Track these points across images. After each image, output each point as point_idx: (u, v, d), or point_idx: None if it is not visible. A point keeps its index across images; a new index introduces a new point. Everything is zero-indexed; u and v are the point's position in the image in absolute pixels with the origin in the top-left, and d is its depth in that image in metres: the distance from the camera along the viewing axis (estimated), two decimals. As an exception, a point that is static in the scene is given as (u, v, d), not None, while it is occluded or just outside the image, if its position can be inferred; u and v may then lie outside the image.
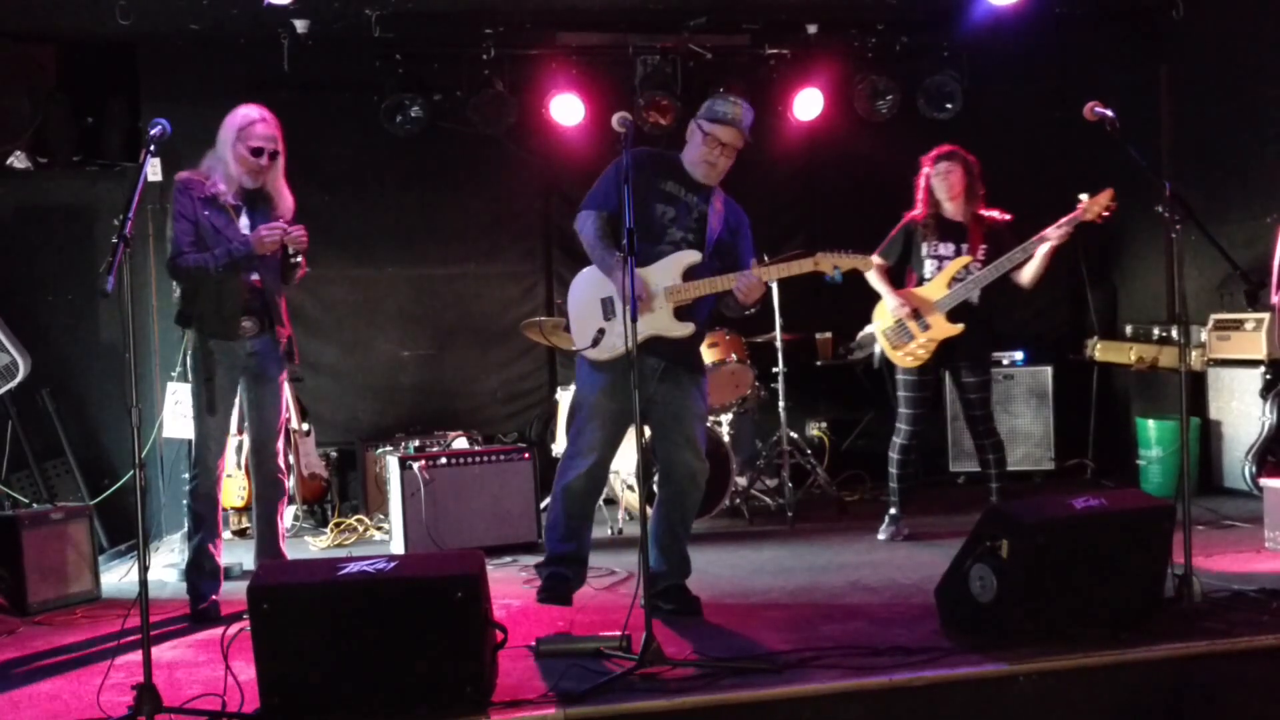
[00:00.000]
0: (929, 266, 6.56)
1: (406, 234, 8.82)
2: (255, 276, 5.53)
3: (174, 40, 7.93)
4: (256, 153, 5.45)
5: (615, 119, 4.83)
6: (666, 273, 4.99)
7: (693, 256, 5.03)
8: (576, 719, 3.87)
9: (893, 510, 6.81)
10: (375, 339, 8.85)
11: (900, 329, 6.55)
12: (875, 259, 5.16)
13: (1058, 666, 4.17)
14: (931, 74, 8.81)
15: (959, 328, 6.43)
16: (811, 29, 8.58)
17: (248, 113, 5.49)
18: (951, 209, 6.57)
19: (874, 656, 4.33)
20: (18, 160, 7.56)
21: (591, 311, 5.11)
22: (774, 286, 7.54)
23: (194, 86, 7.74)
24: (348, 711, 3.88)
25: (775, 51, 8.76)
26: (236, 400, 5.70)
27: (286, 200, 5.65)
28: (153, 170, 5.47)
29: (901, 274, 6.68)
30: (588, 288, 5.16)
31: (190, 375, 5.59)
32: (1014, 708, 4.13)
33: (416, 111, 8.35)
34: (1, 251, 7.34)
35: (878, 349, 6.78)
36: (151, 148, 4.52)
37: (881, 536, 6.77)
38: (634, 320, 4.41)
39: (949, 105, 8.81)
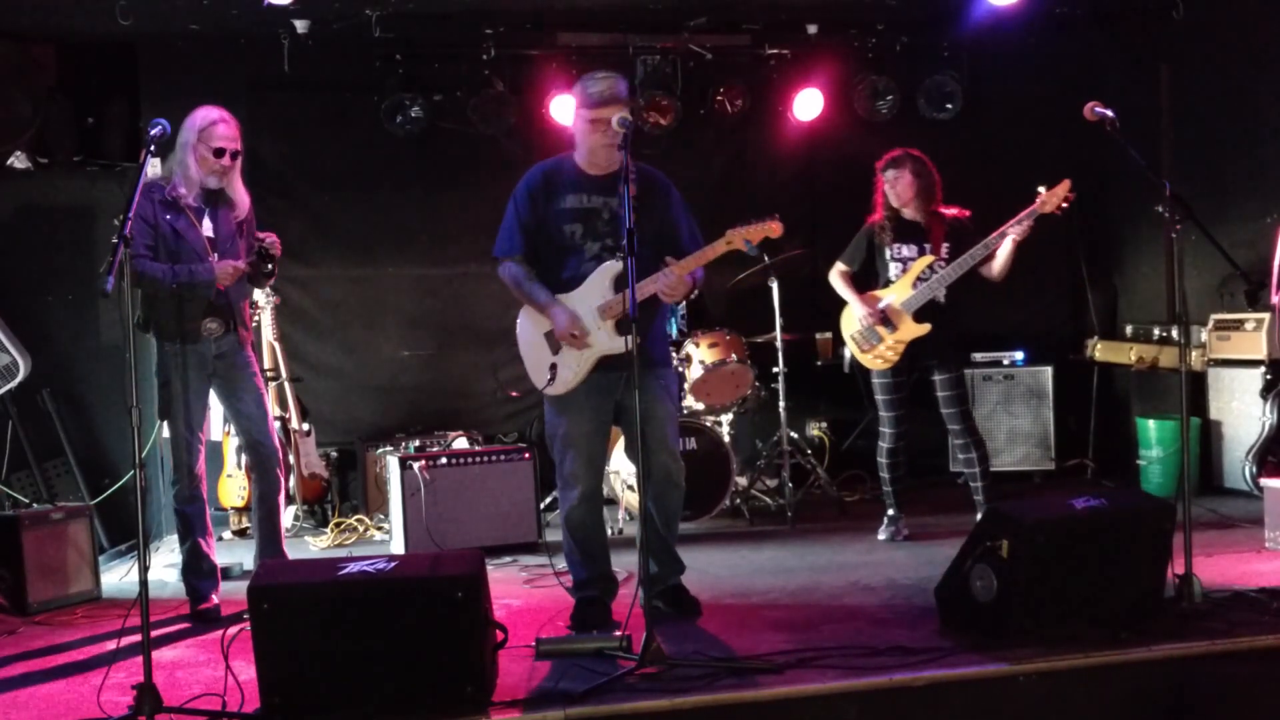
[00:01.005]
0: (893, 269, 6.59)
1: (407, 234, 8.81)
2: None
3: (174, 40, 7.92)
4: (218, 153, 5.44)
5: (615, 119, 4.81)
6: (593, 292, 4.93)
7: (615, 267, 4.93)
8: (577, 719, 3.86)
9: (890, 511, 6.81)
10: (375, 339, 8.84)
11: (868, 332, 6.57)
12: (776, 224, 4.95)
13: (1058, 666, 4.17)
14: (932, 74, 8.81)
15: (926, 328, 6.45)
16: (812, 29, 8.57)
17: (208, 114, 5.47)
18: (909, 211, 6.59)
19: (874, 656, 4.33)
20: (18, 160, 7.55)
21: (539, 350, 5.09)
22: (774, 287, 7.54)
23: (194, 86, 7.71)
24: (348, 711, 3.88)
25: (775, 52, 8.76)
26: (209, 403, 5.69)
27: (244, 201, 5.64)
28: (153, 170, 5.47)
29: (867, 278, 6.70)
30: (530, 328, 5.14)
31: (156, 374, 5.59)
32: (1014, 708, 4.14)
33: (417, 112, 8.35)
34: (2, 252, 7.33)
35: (847, 353, 6.80)
36: (152, 148, 4.54)
37: (881, 537, 6.77)
38: (634, 316, 4.38)
39: (949, 105, 8.82)
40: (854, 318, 6.66)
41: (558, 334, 4.98)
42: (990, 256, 6.38)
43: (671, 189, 5.14)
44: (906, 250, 6.56)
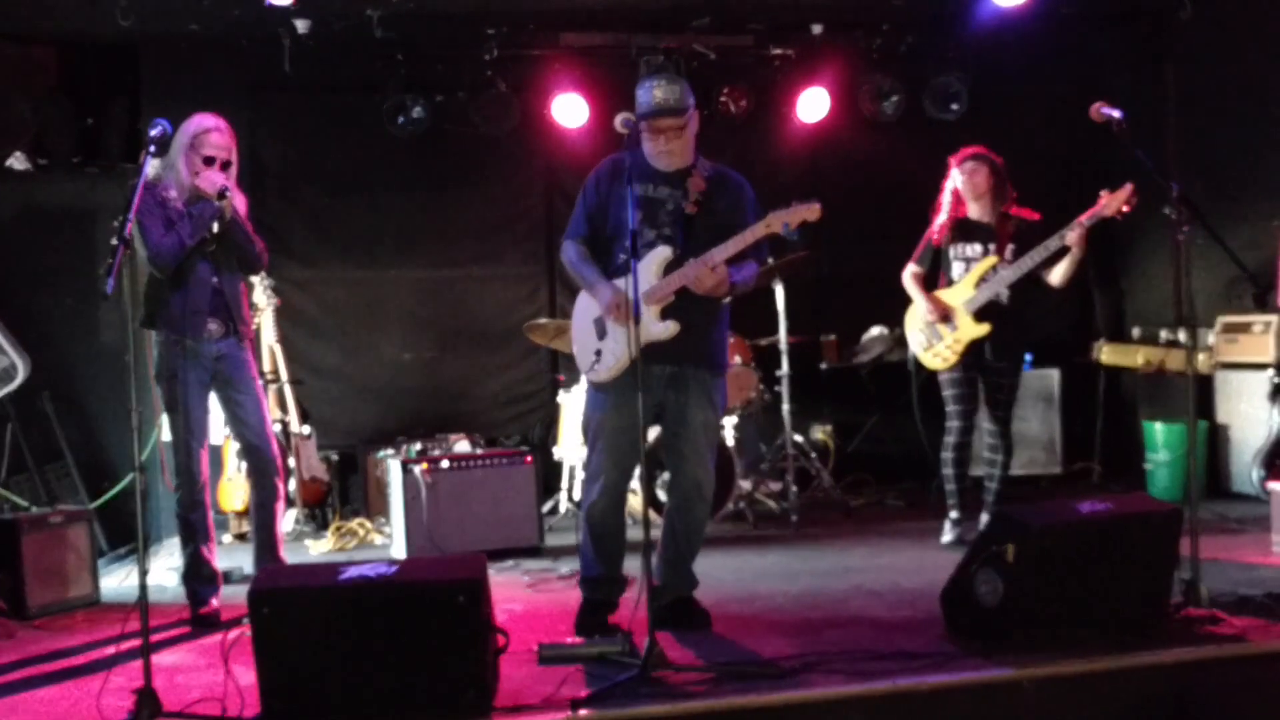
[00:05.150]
0: (957, 268, 6.58)
1: (409, 236, 8.82)
2: (215, 279, 5.52)
3: (175, 41, 7.92)
4: (209, 161, 5.42)
5: (618, 120, 4.78)
6: (641, 278, 4.81)
7: (664, 253, 4.91)
8: (578, 724, 3.85)
9: (953, 514, 6.71)
10: (377, 341, 8.84)
11: (930, 331, 6.58)
12: (816, 207, 4.82)
13: (1063, 671, 4.14)
14: (937, 74, 8.81)
15: (986, 328, 6.43)
16: (816, 29, 8.57)
17: (202, 121, 5.47)
18: (977, 209, 6.57)
19: (878, 661, 4.31)
20: (17, 161, 7.55)
21: (587, 335, 5.06)
22: (778, 290, 7.52)
23: (195, 87, 7.73)
24: (348, 716, 3.87)
25: (780, 52, 8.76)
26: (210, 406, 5.67)
27: (239, 208, 5.61)
28: (153, 171, 5.45)
29: (935, 278, 6.69)
30: (582, 313, 5.12)
31: (156, 377, 5.56)
32: (1019, 713, 4.11)
33: (419, 112, 8.35)
34: (1, 253, 7.33)
35: (910, 352, 6.79)
36: (152, 149, 4.54)
37: (946, 539, 6.66)
38: (636, 322, 4.37)
39: (954, 106, 8.81)
40: (918, 315, 6.67)
41: (602, 308, 4.93)
42: (1053, 261, 6.33)
43: (745, 189, 5.08)
44: (971, 250, 6.54)
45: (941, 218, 6.63)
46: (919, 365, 6.79)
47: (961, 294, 6.51)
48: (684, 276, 4.84)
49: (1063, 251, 6.26)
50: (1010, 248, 6.44)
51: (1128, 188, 6.07)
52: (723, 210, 4.95)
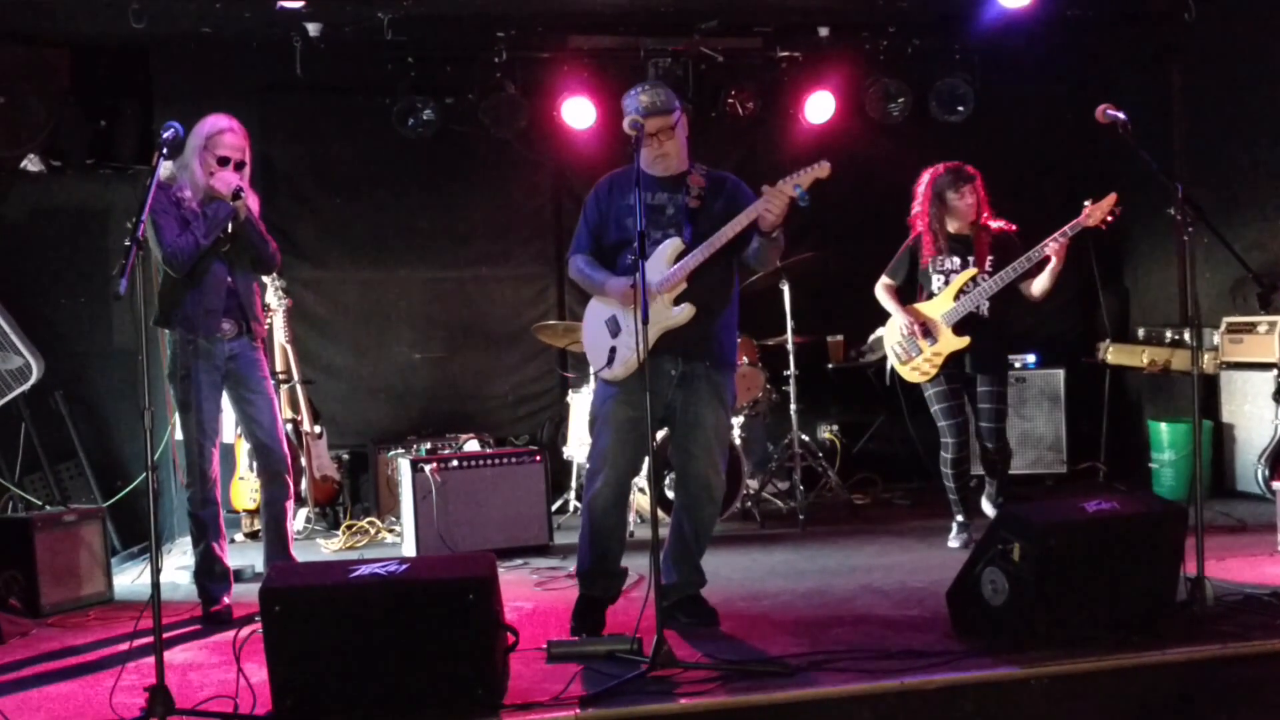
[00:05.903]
0: (936, 281, 6.55)
1: (418, 237, 8.84)
2: (230, 279, 5.56)
3: (187, 43, 7.95)
4: (223, 161, 5.47)
5: (626, 122, 4.84)
6: (653, 269, 4.87)
7: (675, 244, 4.94)
8: (587, 721, 3.88)
9: (959, 518, 6.71)
10: (387, 341, 8.87)
11: (908, 343, 6.56)
12: (825, 165, 4.83)
13: (1069, 670, 4.16)
14: (943, 77, 8.81)
15: (965, 341, 6.41)
16: (823, 32, 8.58)
17: (216, 121, 5.52)
18: (955, 224, 6.55)
19: (885, 659, 4.33)
20: (31, 163, 7.57)
21: (600, 336, 5.10)
22: (785, 289, 7.54)
23: (207, 89, 7.75)
24: (359, 713, 3.90)
25: (787, 54, 8.77)
26: (223, 405, 5.70)
27: (253, 207, 5.65)
28: (165, 173, 5.49)
29: (912, 291, 6.68)
30: (592, 316, 5.17)
31: (169, 376, 5.61)
32: (1025, 711, 4.13)
33: (428, 114, 8.37)
34: (15, 254, 7.36)
35: (889, 365, 6.78)
36: (164, 150, 4.55)
37: (953, 544, 6.64)
38: (645, 322, 4.40)
39: (961, 108, 8.82)
40: (895, 329, 6.65)
41: (618, 297, 4.96)
42: (1034, 273, 6.32)
43: (741, 188, 5.11)
44: (950, 263, 6.51)
45: (926, 237, 6.56)
46: (898, 378, 6.77)
47: (941, 306, 6.49)
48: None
49: (1044, 263, 6.26)
50: (989, 259, 6.43)
51: (1111, 198, 6.08)
52: (719, 210, 4.98)
